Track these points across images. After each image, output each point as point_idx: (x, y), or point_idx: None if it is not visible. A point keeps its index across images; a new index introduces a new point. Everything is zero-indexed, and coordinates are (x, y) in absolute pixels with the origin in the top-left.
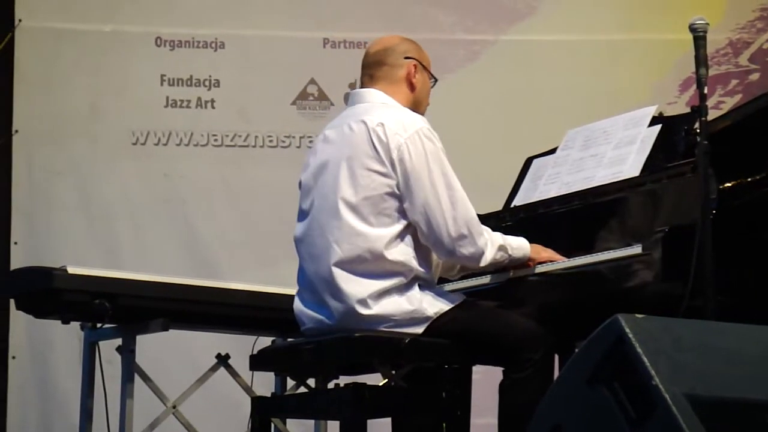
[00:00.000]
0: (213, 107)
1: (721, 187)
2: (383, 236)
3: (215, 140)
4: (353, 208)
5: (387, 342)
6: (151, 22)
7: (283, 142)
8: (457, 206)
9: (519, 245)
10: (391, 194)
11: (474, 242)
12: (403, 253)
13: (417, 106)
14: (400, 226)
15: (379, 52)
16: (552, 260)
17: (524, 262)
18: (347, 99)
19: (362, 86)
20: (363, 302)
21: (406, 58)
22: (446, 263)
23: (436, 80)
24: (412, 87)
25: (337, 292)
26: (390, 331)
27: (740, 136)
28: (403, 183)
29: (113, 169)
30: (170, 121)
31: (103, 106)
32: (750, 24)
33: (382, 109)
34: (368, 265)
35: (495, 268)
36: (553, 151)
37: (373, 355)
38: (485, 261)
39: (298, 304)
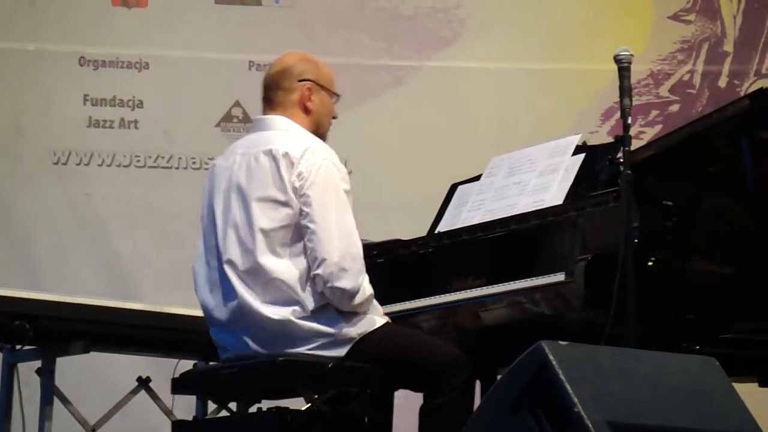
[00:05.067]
0: (136, 128)
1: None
2: (299, 264)
3: (138, 161)
4: (268, 242)
5: (310, 366)
6: (75, 42)
7: (207, 164)
8: (344, 239)
9: (378, 307)
10: (297, 223)
11: (355, 278)
12: None
13: (318, 127)
14: None
15: (275, 74)
16: None
17: None
18: (252, 124)
19: (263, 110)
20: (289, 330)
21: (301, 80)
22: None
23: (338, 96)
24: (306, 110)
25: (263, 324)
26: (313, 355)
27: (662, 166)
28: (301, 212)
29: (35, 189)
30: (93, 141)
31: (26, 125)
32: (671, 55)
33: (286, 138)
34: (288, 295)
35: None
36: (477, 178)
37: (296, 379)
38: (357, 300)
39: (217, 337)
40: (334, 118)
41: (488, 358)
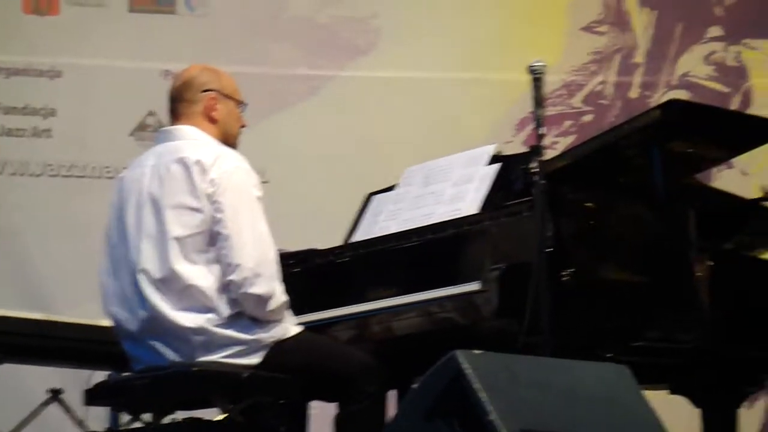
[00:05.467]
0: (49, 137)
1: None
2: (214, 271)
3: (51, 170)
4: (182, 249)
5: (225, 376)
6: None
7: (121, 173)
8: (257, 245)
9: (292, 317)
10: (211, 230)
11: (269, 284)
12: None
13: (226, 137)
14: None
15: (178, 87)
16: None
17: None
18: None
19: (171, 122)
20: (202, 337)
21: (204, 91)
22: None
23: (244, 104)
24: (212, 120)
25: (177, 332)
26: (228, 364)
27: (576, 176)
28: (214, 219)
29: None
30: (4, 150)
31: None
32: (584, 66)
33: (196, 146)
34: (203, 302)
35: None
36: (393, 188)
37: (211, 389)
38: (271, 306)
39: (130, 350)
40: (242, 126)
41: (404, 367)
